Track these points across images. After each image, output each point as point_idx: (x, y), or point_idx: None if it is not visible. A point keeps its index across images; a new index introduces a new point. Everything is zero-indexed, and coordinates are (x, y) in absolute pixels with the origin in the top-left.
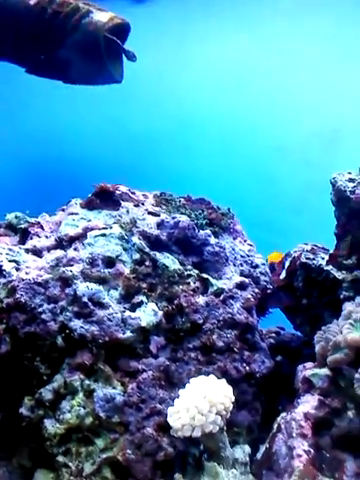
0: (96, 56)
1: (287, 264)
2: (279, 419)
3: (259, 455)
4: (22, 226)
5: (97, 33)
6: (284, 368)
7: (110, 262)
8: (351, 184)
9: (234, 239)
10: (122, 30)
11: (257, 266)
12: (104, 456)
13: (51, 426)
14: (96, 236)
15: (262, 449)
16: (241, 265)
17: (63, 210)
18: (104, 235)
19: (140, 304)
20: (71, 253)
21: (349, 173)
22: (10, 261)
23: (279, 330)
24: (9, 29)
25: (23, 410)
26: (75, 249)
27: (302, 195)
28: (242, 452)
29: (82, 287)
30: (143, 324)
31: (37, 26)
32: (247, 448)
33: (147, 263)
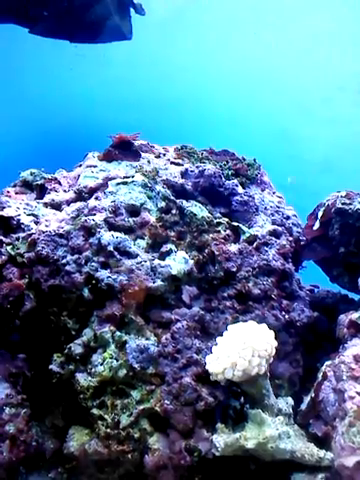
0: (103, 10)
1: (320, 214)
2: (324, 367)
3: (303, 406)
4: (38, 182)
5: None
6: (321, 324)
7: (134, 211)
8: None
9: (262, 190)
10: None
11: (288, 217)
12: (141, 407)
13: (83, 379)
14: (118, 184)
15: (306, 400)
16: (272, 215)
17: (80, 166)
18: (126, 183)
19: (169, 253)
20: (92, 202)
21: None
22: (28, 215)
23: (313, 288)
24: None
25: (53, 366)
26: (96, 198)
27: (328, 153)
28: (285, 403)
29: (107, 236)
30: (174, 272)
31: None
32: (290, 400)
33: (174, 211)
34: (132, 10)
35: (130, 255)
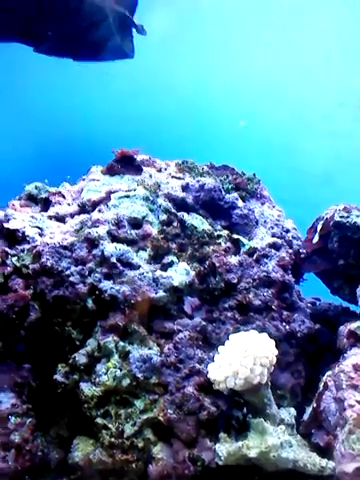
0: (105, 30)
1: (319, 227)
2: (325, 377)
3: (306, 416)
4: (43, 196)
5: (105, 6)
6: (323, 336)
7: (136, 223)
8: None
9: (262, 204)
10: (130, 3)
11: (288, 231)
12: (144, 417)
13: (87, 389)
14: (120, 197)
15: (308, 410)
16: (272, 228)
17: (84, 180)
18: (128, 196)
19: (171, 264)
20: (96, 215)
21: None
22: (33, 227)
23: (315, 300)
24: (17, 9)
25: (57, 376)
26: (99, 211)
27: (330, 166)
28: (288, 414)
29: (110, 247)
30: (175, 283)
31: (44, 1)
32: (293, 410)
33: (175, 224)
34: (134, 30)
35: (133, 266)
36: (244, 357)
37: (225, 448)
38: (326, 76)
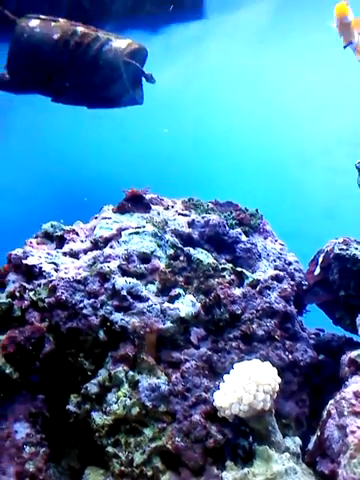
0: (117, 80)
1: (320, 259)
2: (328, 406)
3: (310, 445)
4: (58, 233)
5: (117, 58)
6: (327, 367)
7: (145, 258)
8: None
9: (265, 238)
10: (140, 54)
11: (290, 263)
12: (153, 445)
13: (99, 418)
14: (130, 234)
15: (313, 439)
16: (274, 261)
17: (96, 218)
18: (138, 233)
19: (178, 296)
20: (107, 251)
21: None
22: (49, 263)
23: (318, 331)
24: (36, 64)
25: (70, 406)
26: (111, 247)
27: (331, 201)
28: (293, 443)
29: (120, 281)
30: (182, 315)
31: (61, 57)
32: (298, 440)
33: (181, 258)
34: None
35: (142, 299)
36: (248, 384)
37: (231, 475)
38: (325, 114)
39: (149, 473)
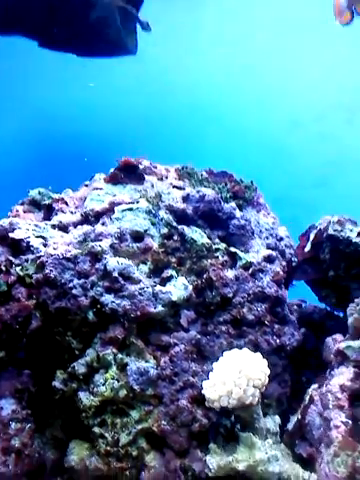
0: (110, 27)
1: (312, 236)
2: (310, 391)
3: (290, 426)
4: (46, 202)
5: (111, 3)
6: (308, 342)
7: (138, 237)
8: None
9: (258, 212)
10: (135, 1)
11: (282, 239)
12: (139, 427)
13: (86, 398)
14: (123, 210)
15: (293, 420)
16: (267, 238)
17: (86, 186)
18: (131, 209)
19: (170, 278)
20: (99, 228)
21: None
22: (37, 237)
23: (301, 302)
24: (23, 4)
25: (56, 383)
26: (103, 224)
27: (321, 169)
28: (273, 422)
29: (112, 262)
30: (174, 298)
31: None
32: (277, 419)
33: (175, 237)
34: (138, 26)
35: (133, 281)
36: (238, 378)
37: (215, 461)
38: (319, 79)
39: (134, 453)
